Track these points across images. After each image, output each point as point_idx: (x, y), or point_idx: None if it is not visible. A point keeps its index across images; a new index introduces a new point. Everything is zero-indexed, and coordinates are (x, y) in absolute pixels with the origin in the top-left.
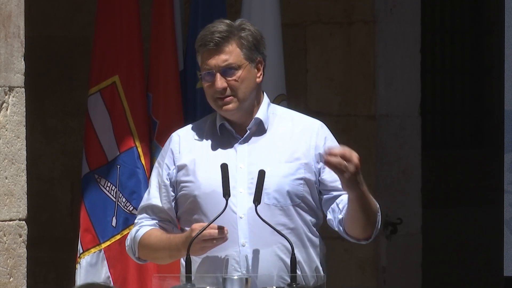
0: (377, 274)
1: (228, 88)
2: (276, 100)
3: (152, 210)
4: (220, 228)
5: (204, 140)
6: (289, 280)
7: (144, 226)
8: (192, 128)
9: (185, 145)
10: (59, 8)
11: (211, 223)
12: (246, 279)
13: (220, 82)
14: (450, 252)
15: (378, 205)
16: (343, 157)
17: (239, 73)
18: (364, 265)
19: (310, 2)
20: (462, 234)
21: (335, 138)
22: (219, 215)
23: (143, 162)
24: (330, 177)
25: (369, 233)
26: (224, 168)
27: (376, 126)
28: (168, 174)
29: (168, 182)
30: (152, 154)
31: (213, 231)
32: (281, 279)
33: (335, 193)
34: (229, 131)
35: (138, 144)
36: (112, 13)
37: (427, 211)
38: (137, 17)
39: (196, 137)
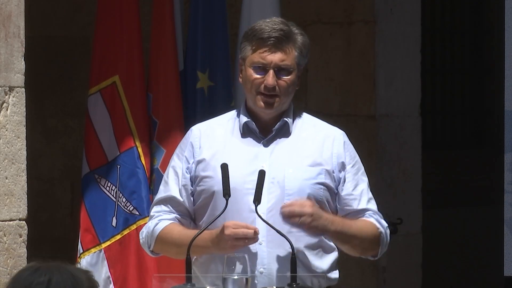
0: (377, 274)
1: (276, 87)
2: None
3: (171, 204)
4: (253, 229)
5: (226, 137)
6: (302, 279)
7: (163, 220)
8: (213, 124)
9: (206, 140)
10: (59, 8)
11: (211, 223)
12: (246, 279)
13: (273, 80)
14: (450, 252)
15: (379, 227)
16: (295, 213)
17: (291, 76)
18: (364, 265)
19: (310, 2)
20: (462, 234)
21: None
22: (220, 215)
23: (143, 162)
24: (344, 189)
25: (372, 253)
26: (224, 168)
27: (376, 126)
28: (188, 168)
29: (188, 176)
30: (152, 154)
31: (247, 230)
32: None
33: (345, 211)
34: (253, 130)
35: (138, 144)
36: (112, 13)
37: (427, 211)
38: (137, 17)
39: (217, 133)
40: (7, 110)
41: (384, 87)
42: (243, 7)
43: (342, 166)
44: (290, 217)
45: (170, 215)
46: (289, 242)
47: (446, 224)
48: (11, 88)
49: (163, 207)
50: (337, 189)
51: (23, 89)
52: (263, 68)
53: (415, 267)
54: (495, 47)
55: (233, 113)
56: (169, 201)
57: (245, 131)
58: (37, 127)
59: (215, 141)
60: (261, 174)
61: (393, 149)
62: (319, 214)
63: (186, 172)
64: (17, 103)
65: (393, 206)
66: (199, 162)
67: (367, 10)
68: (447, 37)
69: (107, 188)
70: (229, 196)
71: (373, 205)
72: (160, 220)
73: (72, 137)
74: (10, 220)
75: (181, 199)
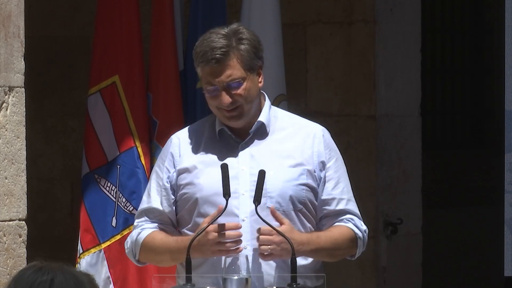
0: (377, 274)
1: (233, 101)
2: (276, 100)
3: (152, 214)
4: (238, 239)
5: (205, 143)
6: (289, 281)
7: (146, 229)
8: (192, 131)
9: (185, 148)
10: (59, 8)
11: (211, 223)
12: (246, 279)
13: (226, 98)
14: (450, 252)
15: (357, 232)
16: (262, 242)
17: (243, 85)
18: (364, 265)
19: (310, 2)
20: (462, 234)
21: (334, 140)
22: (220, 215)
23: (143, 162)
24: (324, 189)
25: (349, 256)
26: (224, 168)
27: (376, 126)
28: (168, 177)
29: (168, 186)
30: (152, 154)
31: (230, 233)
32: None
33: (324, 212)
34: (229, 135)
35: (138, 144)
36: (112, 13)
37: (427, 211)
38: (137, 17)
39: (197, 140)
40: (6, 110)
41: (384, 87)
42: (243, 7)
43: (323, 166)
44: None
45: (151, 224)
46: (289, 242)
47: (446, 224)
48: (11, 88)
49: (146, 217)
50: (318, 188)
51: (23, 89)
52: (216, 89)
53: (415, 267)
54: (495, 47)
55: (210, 118)
56: (151, 211)
57: (222, 136)
58: (37, 127)
59: (195, 149)
60: (261, 174)
61: (393, 149)
62: (289, 238)
63: (167, 182)
64: (17, 103)
65: (393, 206)
66: (180, 170)
67: (367, 10)
68: (447, 37)
69: (107, 188)
70: (229, 196)
71: (352, 206)
72: (143, 229)
73: (72, 137)
74: (10, 220)
75: (162, 209)
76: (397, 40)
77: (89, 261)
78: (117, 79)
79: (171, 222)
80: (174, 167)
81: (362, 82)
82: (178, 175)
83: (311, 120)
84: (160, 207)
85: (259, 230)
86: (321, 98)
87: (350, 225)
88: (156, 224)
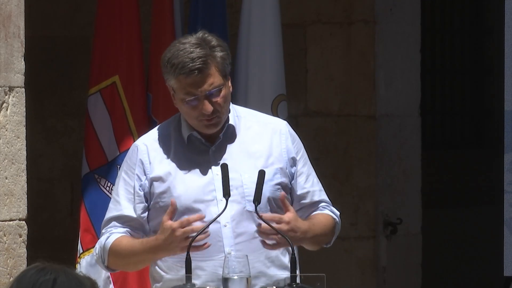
0: (377, 274)
1: (214, 110)
2: (276, 100)
3: (122, 220)
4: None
5: (174, 149)
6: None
7: (114, 233)
8: (158, 136)
9: (155, 155)
10: (59, 8)
11: (208, 225)
12: (247, 279)
13: (209, 106)
14: (450, 252)
15: (335, 217)
16: (274, 218)
17: (222, 92)
18: (364, 265)
19: (310, 2)
20: (462, 234)
21: (332, 140)
22: (219, 216)
23: None
24: (297, 184)
25: (328, 242)
26: (224, 167)
27: (376, 126)
28: (141, 186)
29: (142, 193)
30: None
31: (197, 226)
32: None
33: (301, 205)
34: (198, 139)
35: None
36: (112, 13)
37: (427, 211)
38: (137, 17)
39: (165, 146)
40: (7, 110)
41: (384, 87)
42: (243, 7)
43: (293, 162)
44: (273, 220)
45: (122, 229)
46: (288, 242)
47: (446, 224)
48: (11, 88)
49: (115, 223)
50: (290, 184)
51: (23, 89)
52: (197, 99)
53: (415, 267)
54: (495, 47)
55: (173, 121)
56: (121, 218)
57: (191, 141)
58: (37, 127)
59: (165, 156)
60: (261, 174)
61: (393, 149)
62: (296, 227)
63: (140, 190)
64: (17, 103)
65: (393, 206)
66: (152, 179)
67: (367, 10)
68: (447, 37)
69: (107, 188)
70: (229, 196)
71: (324, 195)
72: (111, 233)
73: (72, 137)
74: (10, 220)
75: (135, 216)
76: (397, 40)
77: (89, 261)
78: (117, 79)
79: (143, 229)
80: (145, 175)
81: (362, 82)
82: (151, 183)
83: (311, 121)
84: (132, 214)
85: (259, 226)
86: (321, 98)
87: (327, 211)
88: (126, 229)
